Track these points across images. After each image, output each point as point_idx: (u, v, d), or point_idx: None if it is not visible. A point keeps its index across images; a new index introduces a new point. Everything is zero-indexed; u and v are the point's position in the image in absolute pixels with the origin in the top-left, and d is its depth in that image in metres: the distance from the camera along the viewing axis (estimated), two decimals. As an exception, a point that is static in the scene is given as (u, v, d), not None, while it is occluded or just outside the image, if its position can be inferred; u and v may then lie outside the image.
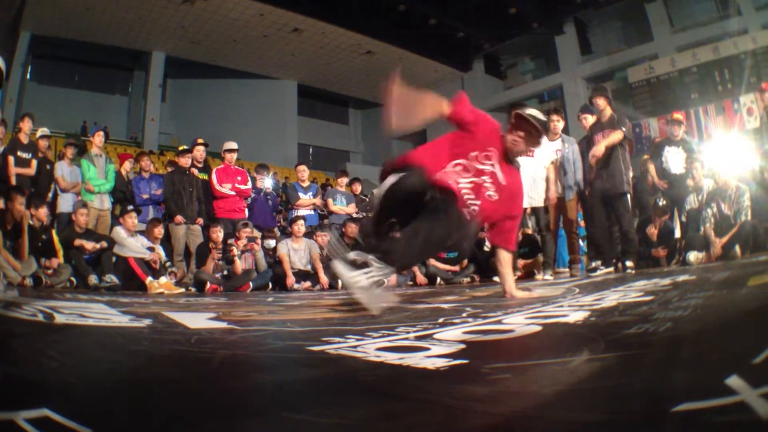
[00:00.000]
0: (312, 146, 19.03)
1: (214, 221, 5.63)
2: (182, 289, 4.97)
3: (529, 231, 5.88)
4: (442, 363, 0.89)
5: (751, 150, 5.51)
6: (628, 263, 4.43)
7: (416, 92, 2.18)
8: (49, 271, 4.70)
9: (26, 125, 5.74)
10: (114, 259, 5.03)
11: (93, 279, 4.78)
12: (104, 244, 5.06)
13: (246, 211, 6.17)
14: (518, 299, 2.31)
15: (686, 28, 12.99)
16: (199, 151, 6.18)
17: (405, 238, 2.01)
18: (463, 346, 1.08)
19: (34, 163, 5.70)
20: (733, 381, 0.61)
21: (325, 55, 15.23)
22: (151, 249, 5.12)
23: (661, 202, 5.41)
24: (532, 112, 2.36)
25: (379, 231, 2.23)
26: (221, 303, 3.19)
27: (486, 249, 5.39)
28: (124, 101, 16.41)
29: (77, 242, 4.98)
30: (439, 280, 5.79)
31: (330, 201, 6.69)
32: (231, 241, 5.34)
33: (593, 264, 4.67)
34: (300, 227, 5.78)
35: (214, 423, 0.62)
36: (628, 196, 4.67)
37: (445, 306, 2.17)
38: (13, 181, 5.39)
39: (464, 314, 1.72)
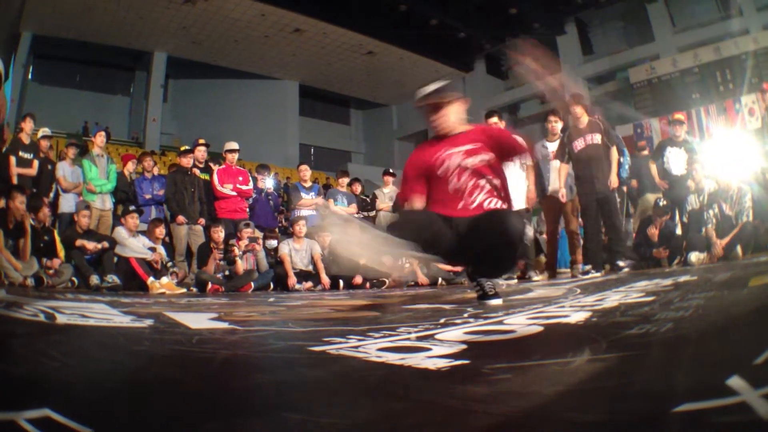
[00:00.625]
0: (313, 146, 19.05)
1: (216, 221, 5.64)
2: (184, 290, 4.98)
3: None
4: (443, 363, 0.89)
5: (753, 150, 5.50)
6: (620, 263, 4.43)
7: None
8: (51, 272, 4.71)
9: (28, 125, 5.74)
10: (115, 259, 5.04)
11: (94, 279, 4.79)
12: (106, 244, 5.06)
13: (247, 211, 6.18)
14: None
15: (688, 28, 12.97)
16: (201, 152, 6.19)
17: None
18: (464, 346, 1.08)
19: (36, 163, 5.70)
20: (735, 381, 0.61)
21: (327, 55, 15.25)
22: (153, 249, 5.12)
23: (662, 203, 5.40)
24: (420, 92, 2.37)
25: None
26: (222, 303, 3.20)
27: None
28: (125, 101, 16.43)
29: (79, 242, 4.98)
30: (440, 280, 5.80)
31: (331, 201, 6.70)
32: (232, 241, 5.34)
33: (585, 267, 4.67)
34: (301, 227, 5.78)
35: (214, 423, 0.62)
36: (616, 195, 4.66)
37: (447, 306, 2.17)
38: (15, 181, 5.40)
39: (465, 314, 1.72)
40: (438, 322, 1.51)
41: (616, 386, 0.73)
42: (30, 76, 14.08)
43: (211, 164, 6.32)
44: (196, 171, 6.00)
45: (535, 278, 4.77)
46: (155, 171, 6.27)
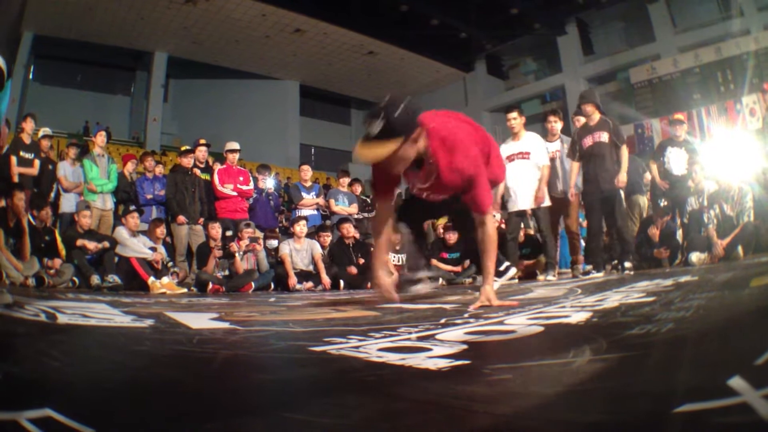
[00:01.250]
0: (314, 146, 19.04)
1: (216, 221, 5.65)
2: (184, 290, 4.98)
3: (531, 232, 5.88)
4: (444, 363, 0.89)
5: (754, 151, 5.49)
6: (627, 264, 4.42)
7: None
8: (52, 271, 4.71)
9: (29, 125, 5.76)
10: (116, 259, 5.04)
11: (95, 279, 4.80)
12: (106, 244, 5.07)
13: (248, 211, 6.18)
14: (495, 307, 1.92)
15: (688, 28, 12.95)
16: (201, 152, 6.20)
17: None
18: (465, 346, 1.08)
19: (37, 163, 5.72)
20: (736, 382, 0.61)
21: (327, 55, 15.24)
22: (154, 249, 5.13)
23: (663, 203, 5.40)
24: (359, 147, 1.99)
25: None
26: (223, 303, 3.20)
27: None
28: (126, 101, 16.42)
29: (80, 242, 4.99)
30: (441, 280, 5.79)
31: (332, 201, 6.71)
32: (229, 233, 5.40)
33: (585, 267, 4.65)
34: (302, 227, 5.78)
35: (215, 423, 0.62)
36: (623, 195, 4.65)
37: (447, 306, 2.17)
38: (16, 180, 5.41)
39: (466, 315, 1.72)
40: (438, 323, 1.51)
41: (616, 387, 0.73)
42: (31, 76, 14.08)
43: (217, 163, 6.34)
44: (197, 171, 6.01)
45: (551, 278, 4.69)
46: (157, 171, 6.27)
